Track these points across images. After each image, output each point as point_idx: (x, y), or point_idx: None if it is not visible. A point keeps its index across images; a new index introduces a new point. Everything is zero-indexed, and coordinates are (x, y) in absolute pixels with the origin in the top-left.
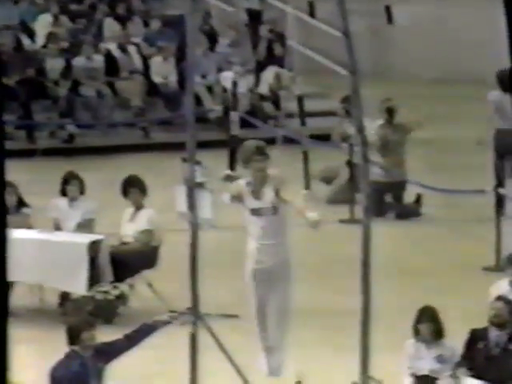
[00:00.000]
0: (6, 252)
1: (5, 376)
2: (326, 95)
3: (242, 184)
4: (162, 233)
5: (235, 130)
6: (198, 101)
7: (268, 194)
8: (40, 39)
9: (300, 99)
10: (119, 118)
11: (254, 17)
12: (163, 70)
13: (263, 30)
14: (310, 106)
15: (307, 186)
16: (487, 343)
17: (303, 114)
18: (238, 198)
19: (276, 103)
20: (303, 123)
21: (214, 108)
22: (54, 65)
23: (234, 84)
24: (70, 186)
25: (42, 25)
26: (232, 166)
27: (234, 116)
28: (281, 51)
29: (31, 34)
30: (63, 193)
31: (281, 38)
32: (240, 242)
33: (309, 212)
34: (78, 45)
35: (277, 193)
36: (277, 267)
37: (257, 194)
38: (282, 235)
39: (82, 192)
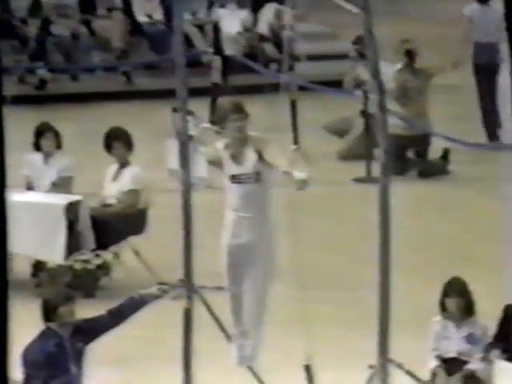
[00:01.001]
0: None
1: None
2: (335, 36)
3: (219, 147)
4: (151, 193)
5: (216, 77)
6: (188, 42)
7: (249, 158)
8: None
9: (288, 40)
10: (97, 62)
11: None
12: (147, 7)
13: None
14: (318, 47)
15: (295, 141)
16: None
17: (292, 58)
18: (215, 163)
19: (278, 44)
20: (291, 68)
21: (206, 50)
22: (20, 1)
23: (216, 24)
24: (45, 139)
25: None
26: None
27: (216, 61)
28: None
29: None
30: (36, 147)
31: None
32: None
33: (295, 171)
34: None
35: (260, 156)
36: (255, 244)
37: (236, 158)
38: (264, 207)
39: (58, 146)
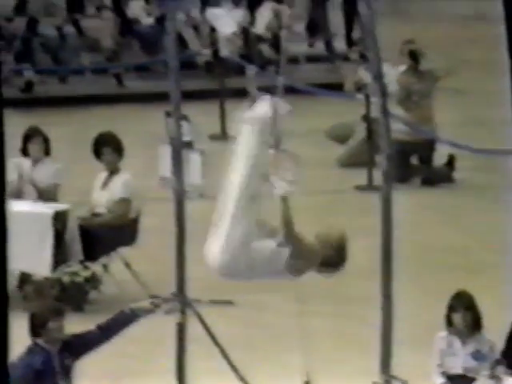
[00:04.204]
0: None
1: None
2: (335, 36)
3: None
4: (142, 202)
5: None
6: (182, 42)
7: None
8: None
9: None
10: (86, 63)
11: None
12: (138, 6)
13: None
14: (317, 49)
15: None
16: None
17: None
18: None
19: (276, 45)
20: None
21: (201, 52)
22: None
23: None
24: (33, 144)
25: None
26: None
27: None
28: None
29: None
30: (24, 152)
31: None
32: None
33: (275, 178)
34: None
35: None
36: None
37: None
38: None
39: (46, 152)
